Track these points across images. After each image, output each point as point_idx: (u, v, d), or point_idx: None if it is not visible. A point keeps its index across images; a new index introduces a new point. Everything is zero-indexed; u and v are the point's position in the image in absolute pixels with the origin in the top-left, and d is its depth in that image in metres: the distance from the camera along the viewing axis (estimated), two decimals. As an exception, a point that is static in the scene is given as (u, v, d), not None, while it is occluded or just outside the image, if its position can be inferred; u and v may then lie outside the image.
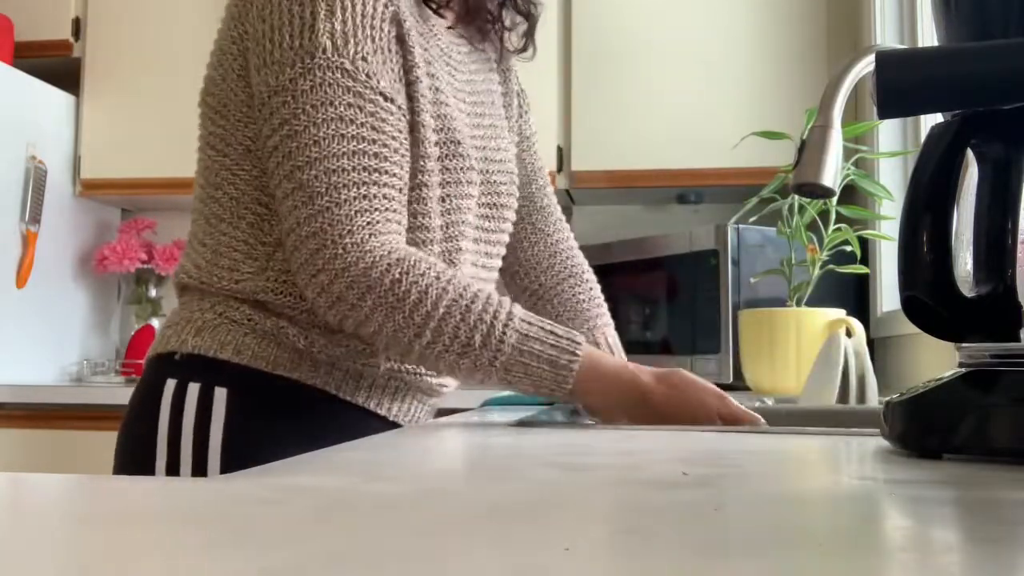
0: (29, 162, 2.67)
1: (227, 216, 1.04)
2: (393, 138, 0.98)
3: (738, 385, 2.22)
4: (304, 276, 0.95)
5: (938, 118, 0.71)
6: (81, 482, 0.60)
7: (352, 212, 0.93)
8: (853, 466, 0.70)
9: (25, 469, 2.38)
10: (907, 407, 0.69)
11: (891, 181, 2.19)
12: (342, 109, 0.95)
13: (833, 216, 1.67)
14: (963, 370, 0.68)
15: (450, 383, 1.16)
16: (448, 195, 1.07)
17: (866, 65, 0.90)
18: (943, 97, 0.68)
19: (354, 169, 0.94)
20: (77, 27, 2.89)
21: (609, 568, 0.34)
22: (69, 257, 2.88)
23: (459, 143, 1.08)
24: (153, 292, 3.02)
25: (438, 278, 0.95)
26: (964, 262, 0.68)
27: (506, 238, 1.23)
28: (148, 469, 1.01)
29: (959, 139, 0.67)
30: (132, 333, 2.99)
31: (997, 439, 0.63)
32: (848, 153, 1.35)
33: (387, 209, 0.96)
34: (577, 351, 0.97)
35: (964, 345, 0.68)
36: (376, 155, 0.96)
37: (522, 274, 1.31)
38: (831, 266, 1.69)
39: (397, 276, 0.93)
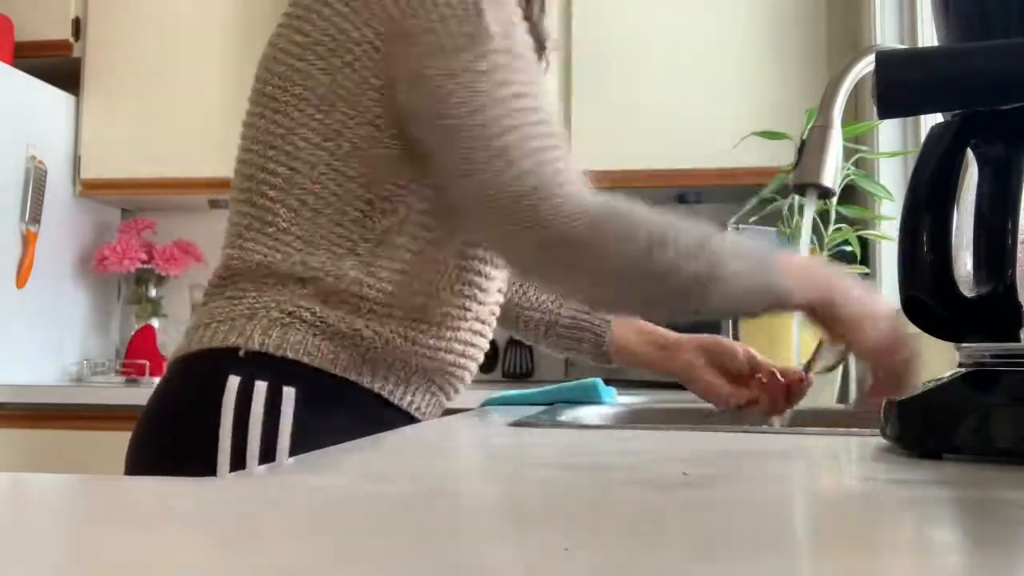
0: (29, 162, 2.66)
1: (328, 211, 1.05)
2: (553, 109, 1.05)
3: (738, 385, 2.22)
4: (519, 238, 0.99)
5: (938, 118, 0.71)
6: (81, 482, 0.60)
7: (557, 169, 0.99)
8: (853, 466, 0.70)
9: (25, 469, 2.38)
10: (907, 407, 0.69)
11: (891, 181, 2.19)
12: (519, 87, 1.00)
13: (833, 216, 1.67)
14: (963, 370, 0.68)
15: (468, 380, 1.18)
16: None
17: (866, 65, 0.90)
18: (943, 97, 0.68)
19: (544, 136, 1.00)
20: (77, 27, 2.89)
21: (609, 568, 0.34)
22: (69, 257, 2.88)
23: None
24: (153, 292, 3.01)
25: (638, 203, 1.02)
26: (964, 262, 0.68)
27: None
28: (207, 468, 0.98)
29: (959, 139, 0.67)
30: (132, 333, 2.98)
31: (997, 439, 0.63)
32: (848, 153, 1.35)
33: (572, 160, 1.02)
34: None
35: (964, 345, 0.68)
36: (551, 122, 1.02)
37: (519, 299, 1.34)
38: (831, 266, 1.69)
39: (616, 206, 0.99)
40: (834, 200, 1.59)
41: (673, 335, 1.29)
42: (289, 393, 1.00)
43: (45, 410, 2.47)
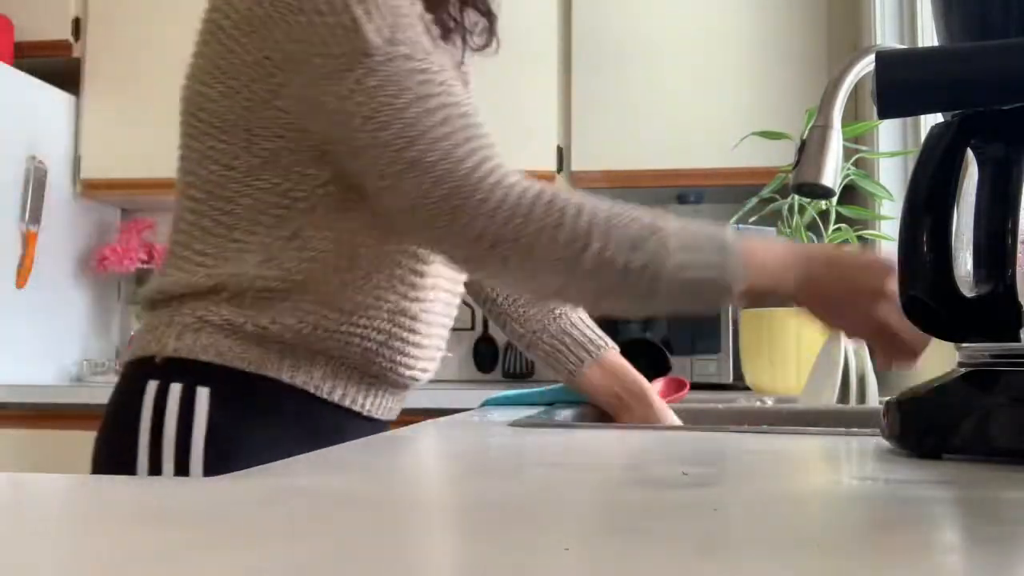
0: (29, 162, 2.67)
1: (241, 224, 1.06)
2: (469, 97, 1.02)
3: (738, 385, 2.22)
4: (450, 239, 0.98)
5: (938, 118, 0.71)
6: (81, 482, 0.60)
7: (474, 164, 0.96)
8: (853, 466, 0.70)
9: (25, 469, 2.38)
10: (907, 407, 0.69)
11: (891, 181, 2.19)
12: (417, 90, 0.98)
13: (833, 216, 1.67)
14: (963, 370, 0.68)
15: (420, 375, 1.17)
16: None
17: (866, 65, 0.90)
18: (943, 97, 0.68)
19: (453, 133, 0.97)
20: (77, 27, 2.89)
21: (609, 568, 0.34)
22: (69, 257, 2.88)
23: None
24: (153, 292, 3.01)
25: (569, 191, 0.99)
26: (964, 262, 0.68)
27: None
28: (128, 470, 1.02)
29: (959, 139, 0.67)
30: (132, 333, 2.99)
31: (997, 439, 0.63)
32: (848, 153, 1.34)
33: (495, 148, 1.00)
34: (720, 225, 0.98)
35: (964, 345, 0.68)
36: (463, 115, 0.99)
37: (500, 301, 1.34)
38: (831, 266, 1.69)
39: (551, 197, 0.96)
40: (834, 200, 1.59)
41: (639, 385, 1.27)
42: (203, 392, 1.03)
43: (45, 410, 2.47)
